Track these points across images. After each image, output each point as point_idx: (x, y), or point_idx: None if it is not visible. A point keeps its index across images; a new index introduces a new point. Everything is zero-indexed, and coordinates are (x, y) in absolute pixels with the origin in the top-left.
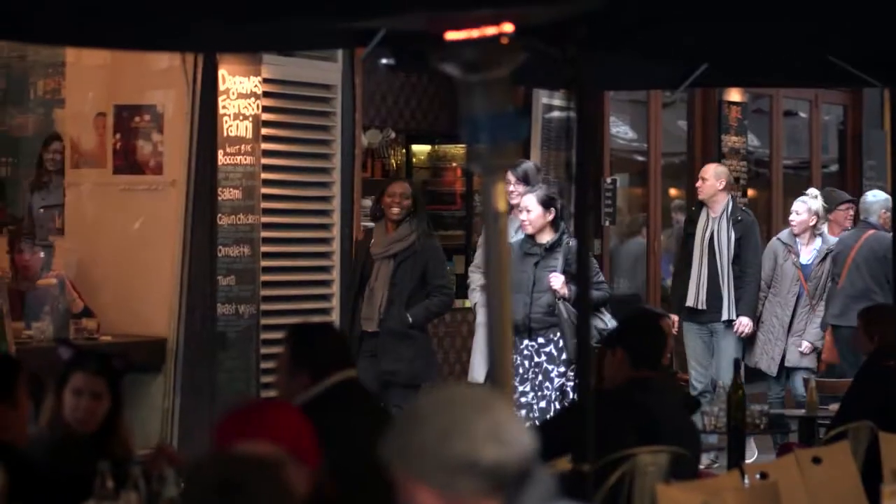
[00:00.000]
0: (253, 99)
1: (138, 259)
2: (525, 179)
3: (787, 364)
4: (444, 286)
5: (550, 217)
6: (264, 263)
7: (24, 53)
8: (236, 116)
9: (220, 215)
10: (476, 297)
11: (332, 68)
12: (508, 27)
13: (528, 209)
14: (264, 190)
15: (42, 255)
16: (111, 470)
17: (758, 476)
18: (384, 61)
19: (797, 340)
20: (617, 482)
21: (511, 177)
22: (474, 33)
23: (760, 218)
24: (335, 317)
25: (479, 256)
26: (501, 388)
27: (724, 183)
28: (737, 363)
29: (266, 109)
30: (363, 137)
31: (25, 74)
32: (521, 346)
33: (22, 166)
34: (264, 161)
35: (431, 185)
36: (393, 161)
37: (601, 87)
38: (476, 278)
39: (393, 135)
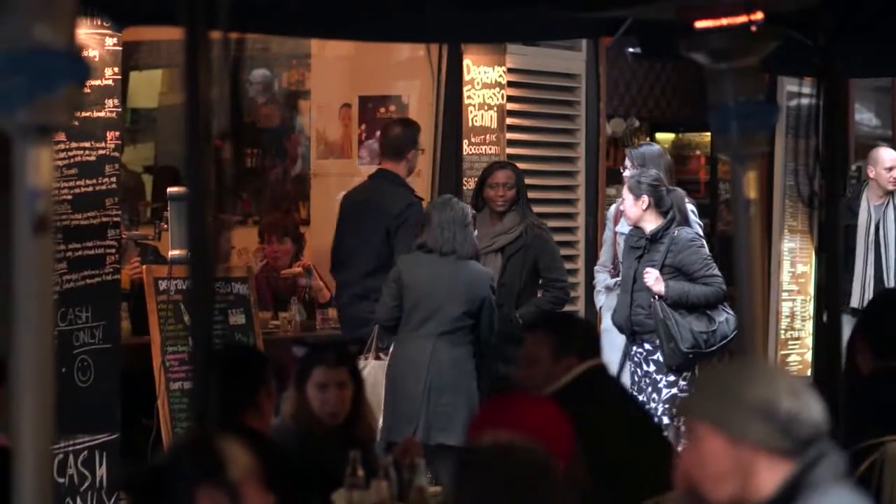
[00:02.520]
0: (498, 89)
1: None
2: (643, 164)
3: None
4: (558, 279)
5: (643, 206)
6: None
7: (269, 45)
8: (481, 106)
9: None
10: (601, 299)
11: (576, 57)
12: (758, 15)
13: (624, 197)
14: None
15: (291, 245)
16: (361, 454)
17: None
18: (631, 50)
19: None
20: (866, 471)
21: (627, 161)
22: (724, 22)
23: None
24: (580, 307)
25: (604, 254)
26: None
27: None
28: None
29: (511, 99)
30: (607, 126)
31: (270, 66)
32: (631, 353)
33: (268, 157)
34: (509, 151)
35: (675, 174)
36: None
37: (847, 75)
38: (601, 278)
39: (637, 123)
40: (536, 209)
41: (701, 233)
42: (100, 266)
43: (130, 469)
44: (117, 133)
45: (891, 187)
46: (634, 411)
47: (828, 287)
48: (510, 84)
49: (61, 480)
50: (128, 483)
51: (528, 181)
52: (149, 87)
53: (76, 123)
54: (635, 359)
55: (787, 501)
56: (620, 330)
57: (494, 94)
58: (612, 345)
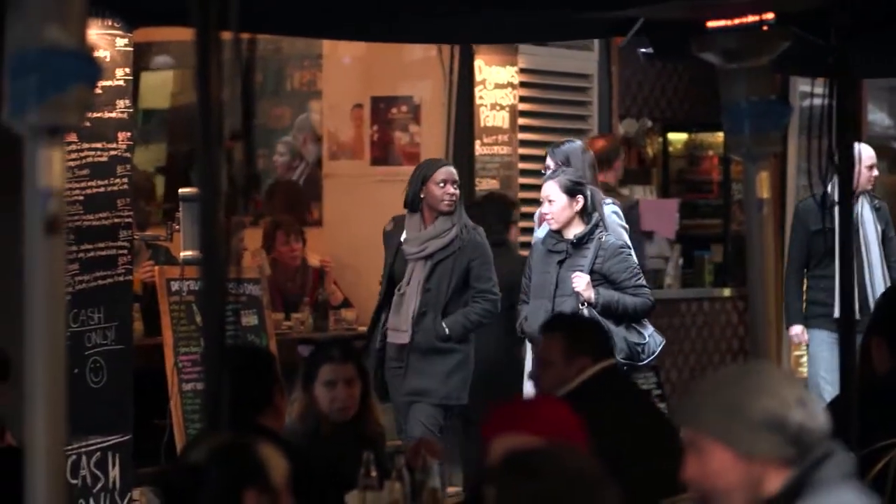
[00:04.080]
0: (510, 89)
1: None
2: (567, 164)
3: None
4: (488, 291)
5: (577, 207)
6: (523, 253)
7: (280, 46)
8: (493, 107)
9: None
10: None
11: (588, 58)
12: (769, 15)
13: (549, 199)
14: (522, 180)
15: (301, 246)
16: (373, 453)
17: None
18: (643, 50)
19: None
20: (881, 471)
21: (550, 161)
22: (735, 21)
23: None
24: None
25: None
26: None
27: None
28: None
29: (523, 99)
30: (620, 127)
31: (282, 67)
32: None
33: (279, 158)
34: (521, 151)
35: (688, 174)
36: (650, 150)
37: (860, 75)
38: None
39: (649, 124)
40: None
41: (627, 238)
42: (112, 267)
43: (163, 466)
44: (129, 134)
45: (869, 187)
46: (649, 411)
47: (842, 286)
48: (522, 84)
49: (74, 482)
50: (160, 481)
51: (539, 182)
52: (160, 88)
53: (87, 124)
54: None
55: (791, 500)
56: (533, 341)
57: (506, 94)
58: None
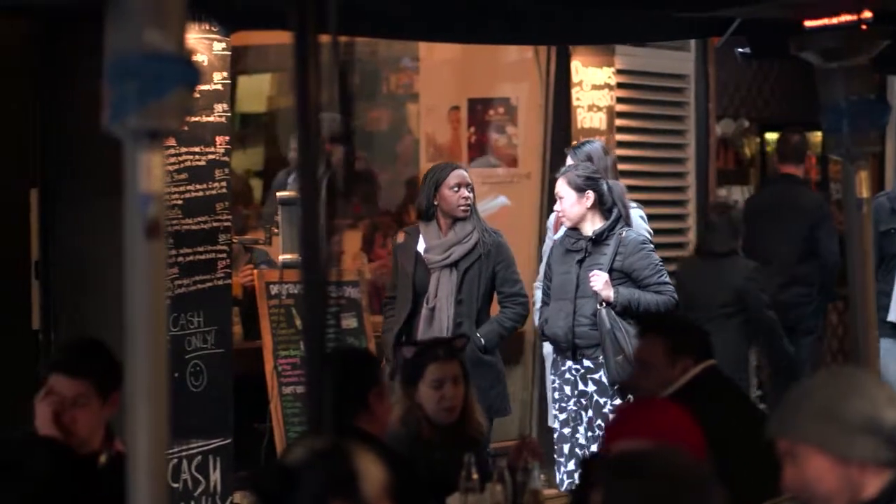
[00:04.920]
0: (607, 90)
1: None
2: (589, 161)
3: None
4: (517, 294)
5: (588, 202)
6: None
7: (377, 48)
8: (590, 108)
9: None
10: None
11: (685, 58)
12: (868, 14)
13: (559, 196)
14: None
15: None
16: (473, 455)
17: None
18: (740, 50)
19: None
20: None
21: (571, 160)
22: (833, 21)
23: None
24: None
25: (543, 268)
26: None
27: None
28: None
29: (620, 100)
30: (717, 127)
31: (378, 69)
32: (563, 369)
33: (377, 161)
34: (618, 152)
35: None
36: (747, 150)
37: None
38: (540, 295)
39: (747, 124)
40: (646, 210)
41: (649, 238)
42: (211, 271)
43: (261, 469)
44: (227, 138)
45: None
46: (752, 411)
47: None
48: (619, 85)
49: (175, 485)
50: (256, 484)
51: (637, 183)
52: (257, 92)
53: (186, 128)
54: (567, 376)
55: (891, 502)
56: (556, 343)
57: (603, 95)
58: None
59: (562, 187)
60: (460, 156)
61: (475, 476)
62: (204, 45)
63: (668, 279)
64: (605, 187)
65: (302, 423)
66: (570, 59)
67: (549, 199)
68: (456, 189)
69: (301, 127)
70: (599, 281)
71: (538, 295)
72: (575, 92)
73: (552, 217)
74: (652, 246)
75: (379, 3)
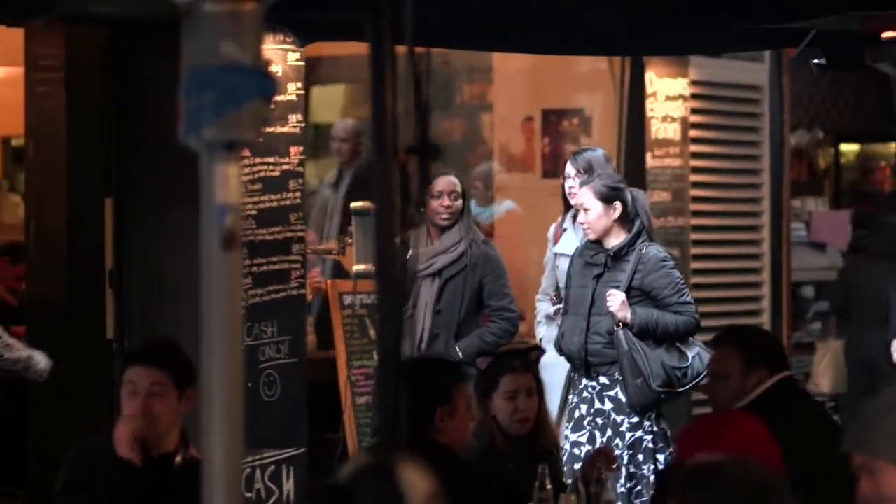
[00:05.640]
0: (681, 101)
1: None
2: (589, 171)
3: None
4: (504, 308)
5: (615, 214)
6: (694, 265)
7: (450, 58)
8: (664, 119)
9: None
10: (542, 331)
11: (759, 69)
12: None
13: (584, 207)
14: (693, 192)
15: None
16: (548, 467)
17: None
18: (815, 61)
19: None
20: None
21: (570, 168)
22: None
23: None
24: (765, 319)
25: (546, 279)
26: None
27: None
28: None
29: (694, 111)
30: (791, 138)
31: (451, 80)
32: (581, 387)
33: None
34: (693, 163)
35: (860, 185)
36: (821, 161)
37: None
38: (543, 307)
39: (821, 134)
40: (720, 221)
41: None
42: (285, 281)
43: (316, 483)
44: (300, 148)
45: None
46: (826, 423)
47: None
48: (693, 96)
49: (249, 495)
50: (311, 498)
51: (711, 194)
52: (330, 103)
53: (260, 139)
54: (584, 394)
55: None
56: (570, 360)
57: (677, 106)
58: (556, 381)
59: (587, 198)
60: (534, 166)
61: (549, 487)
62: (278, 55)
63: (689, 298)
64: (629, 197)
65: (374, 433)
66: (644, 69)
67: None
68: (437, 196)
69: (377, 138)
70: (616, 301)
71: (541, 307)
72: (649, 103)
73: (552, 228)
74: (673, 263)
75: (454, 15)
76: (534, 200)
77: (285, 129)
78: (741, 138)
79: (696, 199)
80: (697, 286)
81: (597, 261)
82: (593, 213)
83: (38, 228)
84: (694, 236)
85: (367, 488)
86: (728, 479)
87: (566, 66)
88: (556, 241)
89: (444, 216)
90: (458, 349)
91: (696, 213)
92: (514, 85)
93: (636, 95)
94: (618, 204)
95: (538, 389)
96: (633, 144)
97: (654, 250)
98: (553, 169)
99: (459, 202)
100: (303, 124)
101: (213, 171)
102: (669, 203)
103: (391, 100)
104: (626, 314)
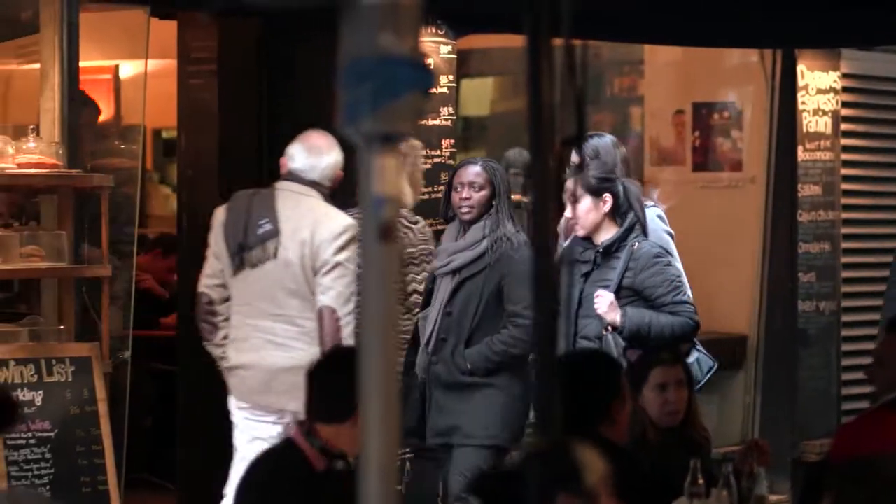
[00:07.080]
0: (832, 94)
1: (718, 256)
2: (596, 158)
3: None
4: (517, 314)
5: (606, 207)
6: (845, 260)
7: (600, 51)
8: (815, 112)
9: (799, 212)
10: None
11: None
12: None
13: (571, 200)
14: (844, 186)
15: None
16: (700, 460)
17: None
18: None
19: None
20: None
21: (576, 157)
22: None
23: None
24: None
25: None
26: None
27: None
28: None
29: (845, 105)
30: None
31: (602, 72)
32: None
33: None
34: (844, 157)
35: None
36: None
37: None
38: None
39: None
40: (871, 215)
41: (671, 243)
42: None
43: (481, 473)
44: (452, 140)
45: None
46: None
47: None
48: (845, 90)
49: (398, 487)
50: (477, 488)
51: (864, 188)
52: (480, 95)
53: (413, 132)
54: None
55: None
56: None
57: (829, 99)
58: None
59: (575, 191)
60: (684, 160)
61: (700, 481)
62: (432, 48)
63: (686, 298)
64: (620, 189)
65: (533, 429)
66: (795, 62)
67: (774, 204)
68: (458, 189)
69: (534, 130)
70: (604, 303)
71: None
72: (800, 96)
73: (562, 222)
74: (668, 258)
75: (610, 7)
76: (685, 192)
77: (437, 122)
78: (893, 132)
79: (847, 193)
80: (848, 280)
81: (585, 258)
82: (582, 206)
83: (190, 220)
84: (845, 230)
85: (543, 468)
86: (883, 474)
87: (717, 59)
88: (567, 236)
89: (464, 209)
90: (465, 357)
91: (846, 207)
92: (665, 78)
93: (787, 89)
94: (608, 196)
95: (688, 382)
96: (784, 138)
97: (648, 246)
98: (703, 162)
99: (483, 194)
100: (454, 117)
101: (371, 162)
102: (820, 197)
103: (548, 92)
104: (615, 317)
